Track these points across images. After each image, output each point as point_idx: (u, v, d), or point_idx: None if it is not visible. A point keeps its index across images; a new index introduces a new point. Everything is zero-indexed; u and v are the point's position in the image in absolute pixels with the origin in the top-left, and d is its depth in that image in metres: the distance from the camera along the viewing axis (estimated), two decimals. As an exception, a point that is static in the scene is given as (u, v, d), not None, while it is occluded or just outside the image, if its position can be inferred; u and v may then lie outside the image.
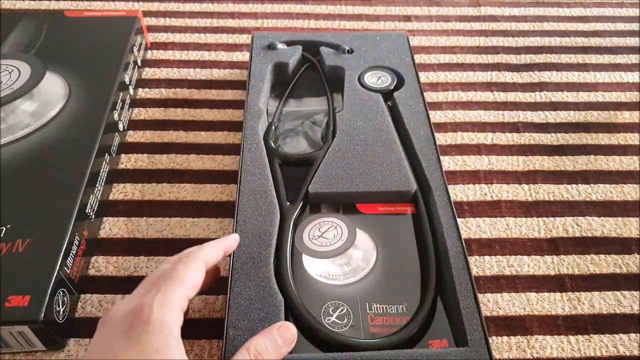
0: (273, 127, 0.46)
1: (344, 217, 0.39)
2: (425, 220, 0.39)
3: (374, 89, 0.49)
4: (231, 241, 0.34)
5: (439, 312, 0.34)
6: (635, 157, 0.51)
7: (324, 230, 0.38)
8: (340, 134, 0.44)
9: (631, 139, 0.52)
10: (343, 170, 0.41)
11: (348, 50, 0.53)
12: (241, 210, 0.38)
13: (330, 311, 0.34)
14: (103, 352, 0.25)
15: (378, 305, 0.34)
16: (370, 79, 0.50)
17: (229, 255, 0.35)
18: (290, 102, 0.50)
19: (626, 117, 0.55)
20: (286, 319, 0.33)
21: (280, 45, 0.53)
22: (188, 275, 0.28)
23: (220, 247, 0.32)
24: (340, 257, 0.37)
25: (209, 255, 0.31)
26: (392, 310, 0.34)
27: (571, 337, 0.37)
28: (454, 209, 0.38)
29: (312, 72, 0.53)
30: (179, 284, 0.27)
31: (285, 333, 0.30)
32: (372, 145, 0.43)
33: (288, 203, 0.39)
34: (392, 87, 0.49)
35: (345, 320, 0.34)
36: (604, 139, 0.52)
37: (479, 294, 0.35)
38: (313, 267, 0.37)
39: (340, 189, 0.40)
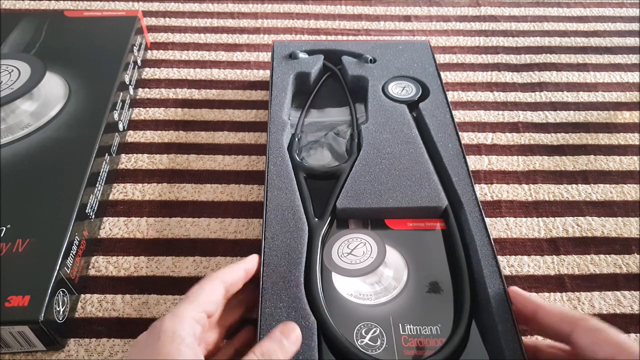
0: (296, 139, 0.45)
1: (373, 233, 0.38)
2: (458, 237, 0.38)
3: (398, 99, 0.47)
4: (251, 262, 0.34)
5: (473, 333, 0.33)
6: (635, 157, 0.51)
7: (353, 247, 0.37)
8: (366, 146, 0.43)
9: (631, 139, 0.52)
10: (371, 185, 0.40)
11: (371, 60, 0.51)
12: (269, 226, 0.37)
13: (363, 332, 0.33)
14: None
15: (411, 327, 0.33)
16: (395, 89, 0.49)
17: (259, 275, 0.35)
18: (312, 113, 0.49)
19: (626, 117, 0.55)
20: (319, 341, 0.32)
21: (301, 55, 0.52)
22: (201, 292, 0.30)
23: (240, 267, 0.33)
24: (371, 276, 0.36)
25: (227, 274, 0.32)
26: (426, 332, 0.33)
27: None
28: (487, 227, 0.37)
29: (333, 82, 0.52)
30: (191, 301, 0.29)
31: (290, 333, 0.30)
32: (399, 158, 0.42)
33: (316, 219, 0.38)
34: (417, 98, 0.48)
35: (379, 342, 0.33)
36: (604, 139, 0.52)
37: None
38: (343, 286, 0.36)
39: (369, 205, 0.39)
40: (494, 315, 0.32)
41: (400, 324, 0.34)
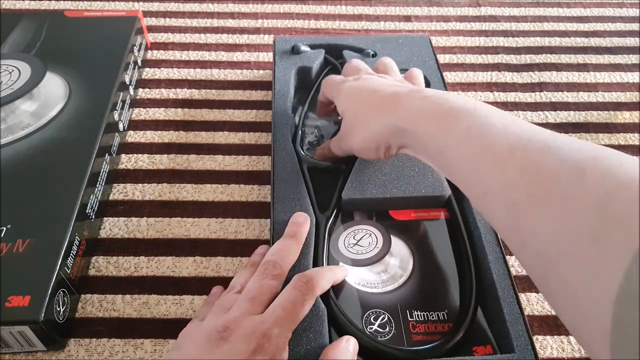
0: (300, 133, 0.45)
1: (378, 225, 0.39)
2: (461, 225, 0.38)
3: None
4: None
5: (479, 318, 0.34)
6: (635, 157, 0.50)
7: (359, 238, 0.38)
8: None
9: (631, 139, 0.52)
10: (375, 176, 0.40)
11: (372, 54, 0.52)
12: (276, 218, 0.38)
13: (372, 320, 0.34)
14: None
15: (419, 313, 0.34)
16: None
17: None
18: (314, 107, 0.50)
19: (626, 117, 0.55)
20: (329, 328, 0.32)
21: (304, 47, 0.52)
22: None
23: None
24: (377, 265, 0.37)
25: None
26: (433, 318, 0.34)
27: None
28: None
29: None
30: None
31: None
32: None
33: (321, 211, 0.39)
34: None
35: (387, 328, 0.33)
36: (604, 139, 0.52)
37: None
38: (351, 275, 0.36)
39: (374, 195, 0.39)
40: (499, 300, 0.33)
41: (407, 311, 0.34)
